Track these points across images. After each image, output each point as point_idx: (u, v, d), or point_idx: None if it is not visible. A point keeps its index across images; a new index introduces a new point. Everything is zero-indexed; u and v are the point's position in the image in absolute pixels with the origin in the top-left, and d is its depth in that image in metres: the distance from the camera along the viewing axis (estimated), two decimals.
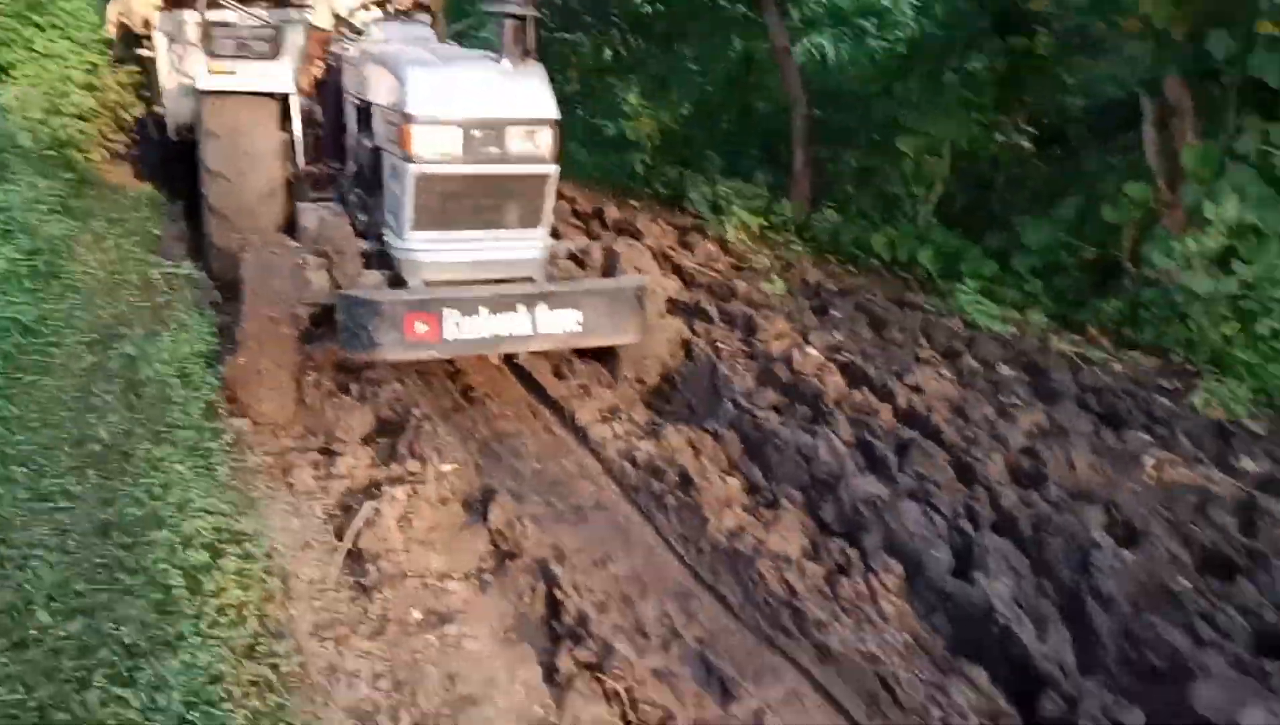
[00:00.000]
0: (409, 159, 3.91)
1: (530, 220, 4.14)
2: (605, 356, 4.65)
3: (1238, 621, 2.60)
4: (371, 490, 3.47)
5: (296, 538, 3.25)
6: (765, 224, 7.19)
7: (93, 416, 3.64)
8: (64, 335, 4.34)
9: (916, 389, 4.08)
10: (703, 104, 9.14)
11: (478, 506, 3.40)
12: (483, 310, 3.87)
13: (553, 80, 4.10)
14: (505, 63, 4.01)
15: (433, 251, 4.08)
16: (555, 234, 4.63)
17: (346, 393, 4.26)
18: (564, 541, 3.23)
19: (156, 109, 6.69)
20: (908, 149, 6.69)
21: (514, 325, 3.91)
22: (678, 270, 6.28)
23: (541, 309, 3.94)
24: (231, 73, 5.27)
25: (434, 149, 3.90)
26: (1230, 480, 3.42)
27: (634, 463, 3.71)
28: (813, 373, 4.27)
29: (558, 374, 4.67)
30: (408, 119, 3.88)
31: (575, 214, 7.99)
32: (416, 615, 2.89)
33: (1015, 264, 5.94)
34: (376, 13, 5.46)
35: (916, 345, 4.93)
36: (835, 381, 4.18)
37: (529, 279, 4.16)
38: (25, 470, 3.18)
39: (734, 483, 3.47)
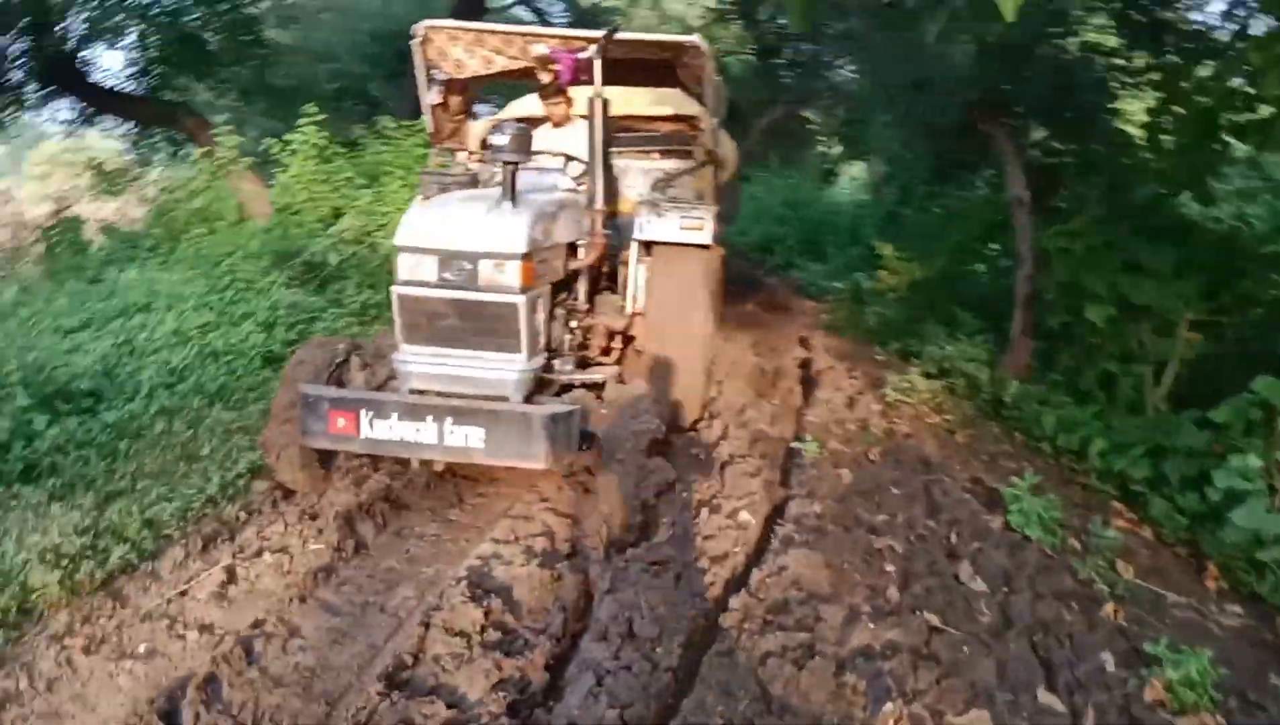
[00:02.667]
0: (395, 282, 4.45)
1: (507, 345, 4.40)
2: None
3: None
4: None
5: None
6: (945, 388, 6.43)
7: None
8: None
9: (781, 570, 3.51)
10: (960, 256, 8.40)
11: None
12: (393, 415, 4.12)
13: None
14: (505, 204, 4.46)
15: (417, 364, 4.43)
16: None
17: None
18: None
19: None
20: (1097, 319, 5.59)
21: (421, 434, 4.09)
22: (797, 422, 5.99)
23: (448, 422, 4.08)
24: None
25: (412, 274, 4.37)
26: None
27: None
28: (713, 532, 3.88)
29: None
30: (397, 249, 4.46)
31: (804, 364, 7.89)
32: None
33: (1166, 468, 4.67)
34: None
35: (944, 540, 4.15)
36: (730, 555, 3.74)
37: (503, 398, 4.33)
38: None
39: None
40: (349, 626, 3.47)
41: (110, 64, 13.39)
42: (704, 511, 4.09)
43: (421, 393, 4.32)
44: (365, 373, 4.73)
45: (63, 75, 11.41)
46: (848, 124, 16.22)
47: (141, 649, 3.31)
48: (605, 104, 5.25)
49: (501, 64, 6.15)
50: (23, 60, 11.29)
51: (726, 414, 5.79)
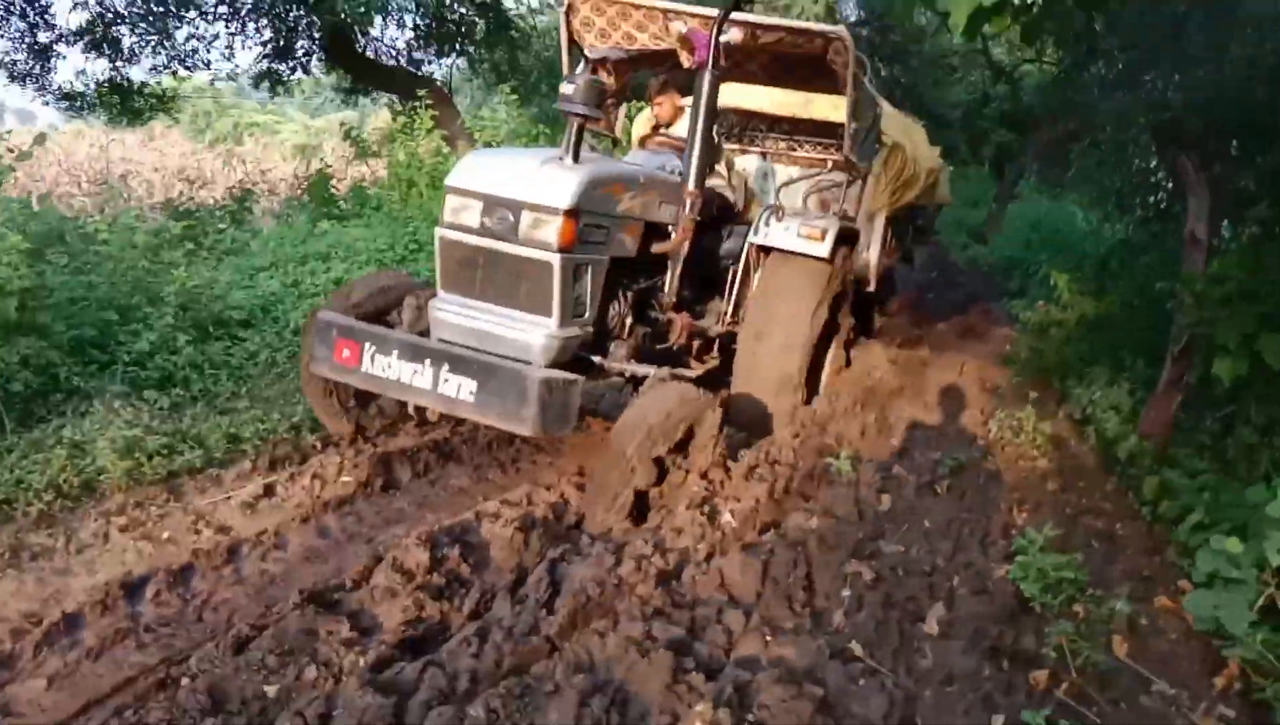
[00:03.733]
0: (439, 223, 4.38)
1: (539, 306, 4.19)
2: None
3: None
4: None
5: None
6: (1073, 433, 5.98)
7: None
8: None
9: (717, 571, 3.53)
10: (1144, 294, 7.58)
11: None
12: (394, 353, 4.04)
13: None
14: (565, 159, 4.24)
15: (449, 312, 4.31)
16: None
17: None
18: None
19: None
20: (1224, 376, 4.99)
21: (418, 377, 3.99)
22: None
23: (444, 369, 3.94)
24: None
25: (456, 217, 4.26)
26: None
27: None
28: (683, 527, 3.95)
29: None
30: (445, 189, 4.35)
31: (945, 390, 7.54)
32: None
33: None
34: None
35: (941, 581, 3.96)
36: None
37: (526, 362, 4.10)
38: None
39: None
40: (328, 550, 3.90)
41: (381, 38, 15.05)
42: (682, 506, 4.14)
43: (449, 343, 4.22)
44: (416, 314, 4.63)
45: (338, 47, 12.96)
46: (1096, 145, 14.95)
47: (165, 536, 3.91)
48: (716, 84, 5.00)
49: (643, 41, 5.99)
50: (307, 31, 12.95)
51: (801, 425, 5.71)
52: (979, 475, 5.32)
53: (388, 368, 4.04)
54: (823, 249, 5.66)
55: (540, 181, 4.12)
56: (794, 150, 7.83)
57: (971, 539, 4.39)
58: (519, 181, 4.14)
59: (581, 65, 6.21)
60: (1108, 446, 5.99)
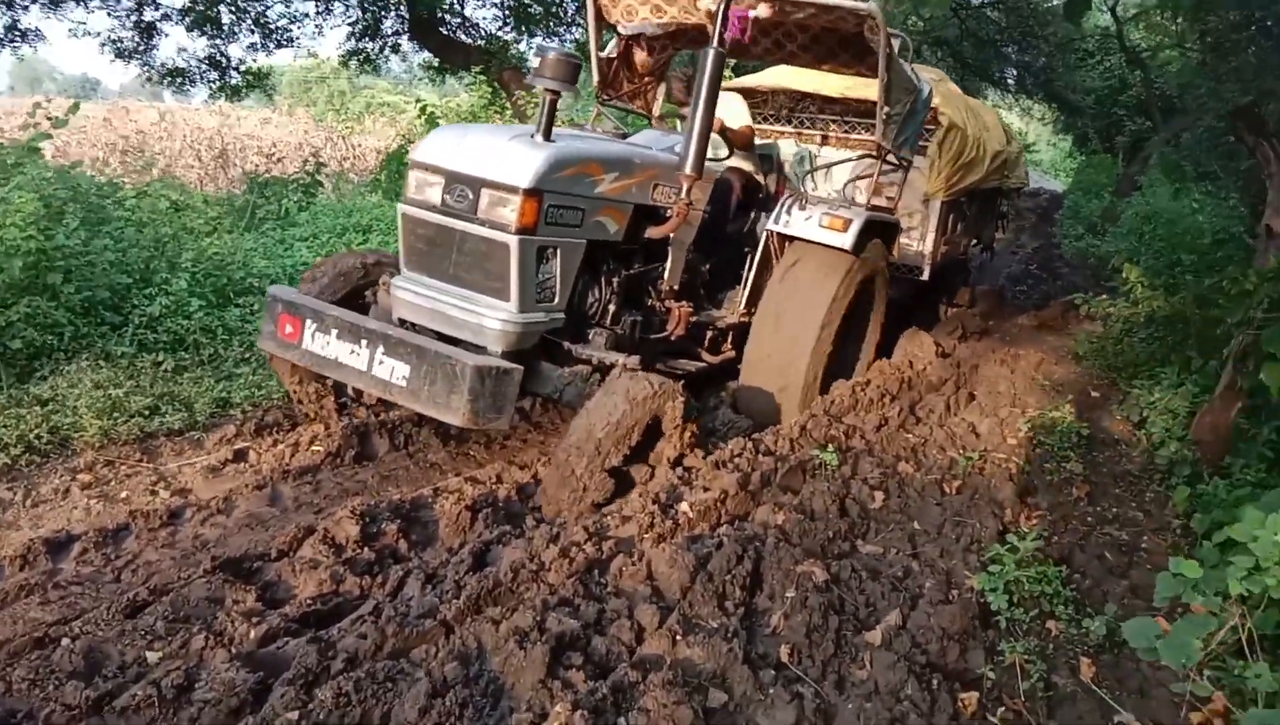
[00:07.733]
0: (401, 198, 4.21)
1: (497, 289, 4.01)
2: None
3: None
4: None
5: None
6: (1099, 434, 5.50)
7: None
8: None
9: (647, 562, 3.33)
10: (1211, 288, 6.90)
11: None
12: (333, 332, 3.89)
13: None
14: (536, 136, 4.04)
15: (410, 292, 4.14)
16: None
17: None
18: None
19: None
20: (1272, 384, 4.47)
21: (354, 358, 3.84)
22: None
23: (379, 351, 3.78)
24: None
25: (419, 193, 4.08)
26: None
27: None
28: (632, 514, 3.76)
29: None
30: (408, 163, 4.17)
31: (993, 386, 7.07)
32: None
33: None
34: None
35: (908, 586, 3.67)
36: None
37: (481, 348, 3.99)
38: None
39: None
40: (271, 518, 3.87)
41: (464, 19, 14.98)
42: (637, 496, 3.94)
43: (410, 324, 4.11)
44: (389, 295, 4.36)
45: (423, 28, 13.10)
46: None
47: (122, 496, 3.96)
48: (720, 62, 4.62)
49: (672, 14, 5.75)
50: (395, 11, 13.13)
51: (811, 415, 5.40)
52: (994, 477, 4.94)
53: (326, 346, 3.89)
54: (844, 240, 5.33)
55: (502, 159, 3.91)
56: (848, 135, 7.48)
57: (956, 544, 4.05)
58: (481, 158, 3.93)
59: (613, 42, 6.03)
60: (1153, 453, 5.50)
